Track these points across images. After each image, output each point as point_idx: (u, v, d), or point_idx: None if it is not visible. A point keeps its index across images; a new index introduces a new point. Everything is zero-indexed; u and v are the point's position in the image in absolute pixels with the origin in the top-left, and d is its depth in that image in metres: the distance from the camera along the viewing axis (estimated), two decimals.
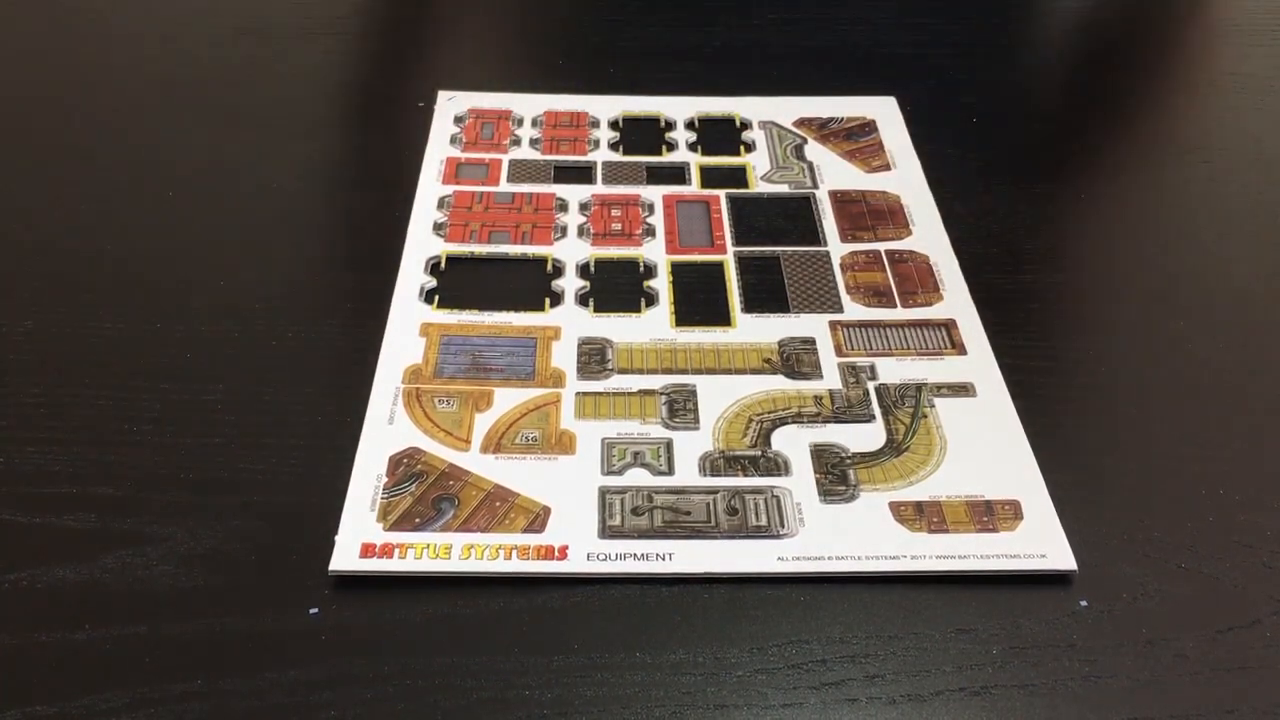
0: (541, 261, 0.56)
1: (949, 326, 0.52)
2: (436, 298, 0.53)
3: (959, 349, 0.51)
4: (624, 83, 0.69)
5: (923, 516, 0.44)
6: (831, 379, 0.50)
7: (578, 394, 0.48)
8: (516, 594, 0.41)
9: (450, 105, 0.67)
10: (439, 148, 0.63)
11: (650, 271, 0.55)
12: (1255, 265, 0.57)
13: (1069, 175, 0.62)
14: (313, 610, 0.40)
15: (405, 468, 0.45)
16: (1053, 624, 0.40)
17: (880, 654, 0.39)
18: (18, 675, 0.38)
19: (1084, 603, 0.41)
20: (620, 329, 0.52)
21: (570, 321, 0.52)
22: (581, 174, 0.62)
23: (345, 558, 0.41)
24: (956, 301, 0.54)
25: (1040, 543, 0.43)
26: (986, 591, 0.41)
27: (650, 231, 0.58)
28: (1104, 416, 0.49)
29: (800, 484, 0.45)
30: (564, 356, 0.50)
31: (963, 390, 0.49)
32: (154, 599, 0.40)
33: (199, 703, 0.37)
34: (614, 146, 0.64)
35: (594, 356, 0.50)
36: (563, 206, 0.59)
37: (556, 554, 0.42)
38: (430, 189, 0.60)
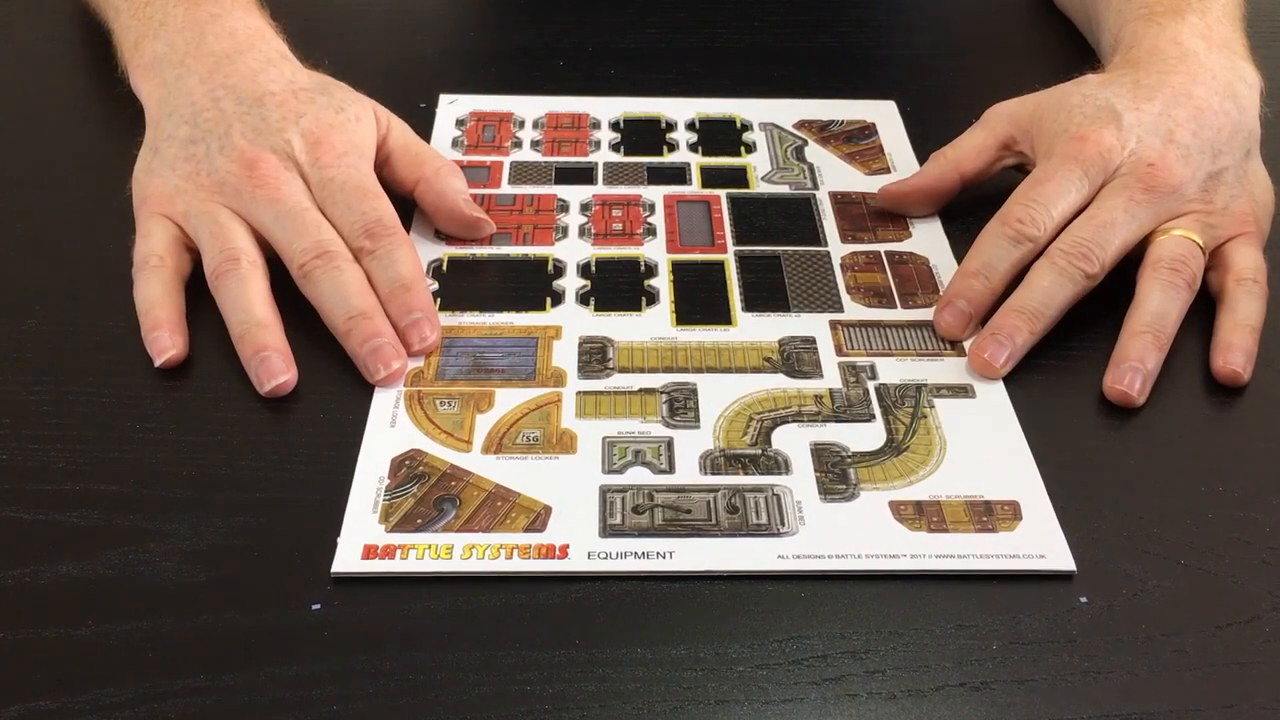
0: (542, 261, 0.56)
1: None
2: (439, 300, 0.53)
3: (958, 350, 0.51)
4: (625, 84, 0.69)
5: (923, 516, 0.44)
6: (832, 378, 0.50)
7: (578, 393, 0.49)
8: (518, 590, 0.41)
9: (452, 108, 0.67)
10: (441, 150, 0.63)
11: (651, 270, 0.55)
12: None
13: None
14: (315, 606, 0.40)
15: (407, 469, 0.45)
16: (1052, 620, 0.41)
17: (880, 649, 0.39)
18: (20, 671, 0.38)
19: (1083, 599, 0.41)
20: (621, 328, 0.52)
21: (571, 320, 0.52)
22: (583, 175, 0.62)
23: (347, 559, 0.41)
24: None
25: (1039, 543, 0.43)
26: (986, 588, 0.41)
27: (651, 231, 0.58)
28: (1103, 415, 0.49)
29: (800, 483, 0.45)
30: (565, 356, 0.50)
31: (962, 391, 0.49)
32: (156, 595, 0.40)
33: (201, 698, 0.37)
34: (615, 147, 0.64)
35: (595, 355, 0.51)
36: (564, 207, 0.59)
37: (558, 553, 0.42)
38: None
